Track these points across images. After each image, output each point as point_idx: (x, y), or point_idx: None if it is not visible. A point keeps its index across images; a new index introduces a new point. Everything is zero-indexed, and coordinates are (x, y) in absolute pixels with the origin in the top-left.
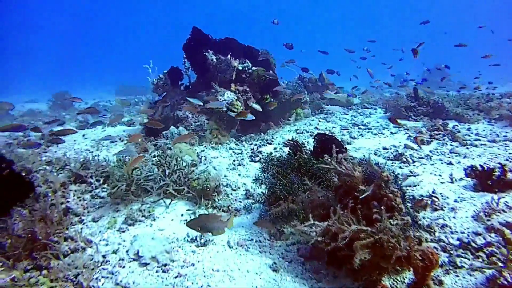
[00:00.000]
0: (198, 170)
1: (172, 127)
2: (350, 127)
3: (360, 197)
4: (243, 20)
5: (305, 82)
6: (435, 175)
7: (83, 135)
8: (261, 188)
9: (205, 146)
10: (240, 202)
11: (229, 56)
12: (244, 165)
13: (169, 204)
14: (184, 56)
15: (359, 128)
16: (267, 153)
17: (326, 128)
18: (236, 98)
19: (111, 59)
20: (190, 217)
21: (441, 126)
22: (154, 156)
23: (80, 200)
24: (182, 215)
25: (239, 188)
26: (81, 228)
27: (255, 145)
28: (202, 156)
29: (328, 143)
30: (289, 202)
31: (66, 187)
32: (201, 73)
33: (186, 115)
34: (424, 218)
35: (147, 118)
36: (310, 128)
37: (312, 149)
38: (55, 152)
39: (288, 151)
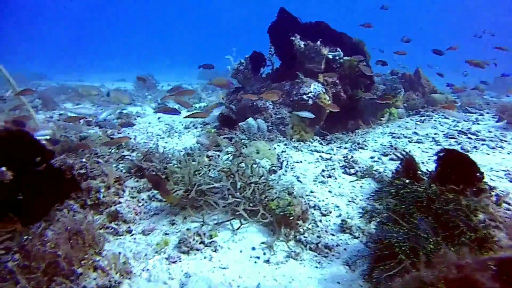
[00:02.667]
0: (278, 182)
1: (250, 118)
2: (457, 135)
3: None
4: None
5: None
6: None
7: (158, 118)
8: (369, 224)
9: (285, 145)
10: (333, 235)
11: (318, 42)
12: (335, 178)
13: (237, 229)
14: (270, 40)
15: (468, 138)
16: (366, 165)
17: (427, 134)
18: (324, 90)
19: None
20: (264, 253)
21: None
22: (228, 153)
23: (133, 202)
24: (253, 248)
25: (330, 213)
26: (127, 245)
27: (345, 148)
28: (282, 159)
29: (460, 165)
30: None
31: (121, 183)
32: (286, 60)
33: (267, 106)
34: None
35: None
36: (408, 133)
37: (430, 170)
38: (128, 134)
39: (397, 170)
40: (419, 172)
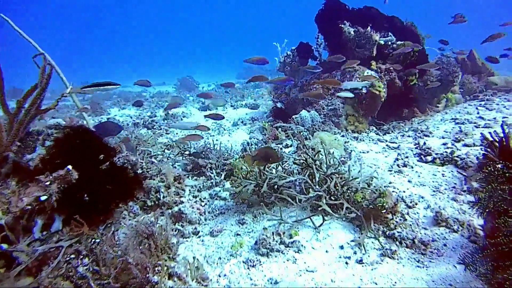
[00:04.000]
0: (354, 172)
1: (303, 111)
2: None
3: None
4: None
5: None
6: None
7: (205, 117)
8: (482, 216)
9: (343, 136)
10: (425, 229)
11: (369, 28)
12: (412, 167)
13: (320, 226)
14: (318, 30)
15: None
16: (445, 151)
17: (495, 118)
18: (378, 77)
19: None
20: (355, 252)
21: None
22: (287, 146)
23: (196, 202)
24: (341, 247)
25: (416, 204)
26: (195, 248)
27: (409, 136)
28: (348, 148)
29: None
30: None
31: (181, 181)
32: (336, 49)
33: None
34: None
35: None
36: (472, 118)
37: None
38: (177, 134)
39: (487, 154)
40: None
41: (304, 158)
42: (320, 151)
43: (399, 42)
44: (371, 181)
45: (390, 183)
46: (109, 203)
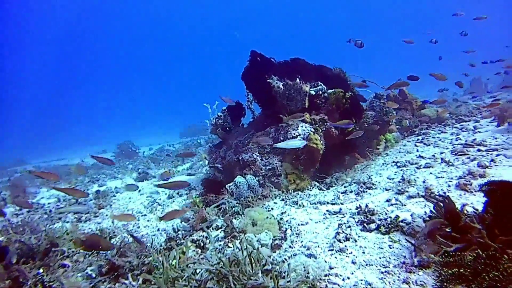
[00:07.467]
0: (284, 265)
1: (238, 177)
2: (467, 150)
3: None
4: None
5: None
6: None
7: (139, 191)
8: None
9: (283, 200)
10: None
11: (297, 80)
12: (355, 240)
13: None
14: (246, 87)
15: (478, 151)
16: (387, 215)
17: (433, 155)
18: (313, 130)
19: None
20: None
21: None
22: (218, 228)
23: None
24: None
25: None
26: None
27: (351, 192)
28: (285, 227)
29: None
30: None
31: None
32: (267, 105)
33: (254, 158)
34: None
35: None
36: (412, 158)
37: (475, 213)
38: (106, 216)
39: (431, 216)
40: (462, 215)
41: (218, 268)
42: (235, 252)
43: (330, 91)
44: (307, 274)
45: (331, 268)
46: None
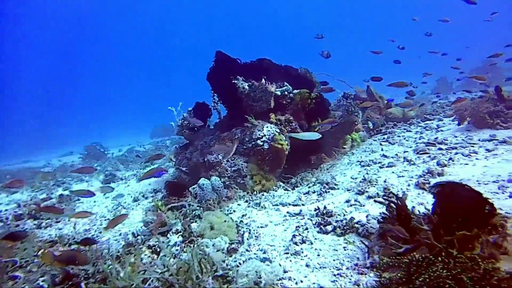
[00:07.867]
0: (238, 270)
1: (201, 179)
2: (428, 149)
3: None
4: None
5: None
6: None
7: (104, 194)
8: None
9: (247, 201)
10: None
11: (263, 80)
12: (311, 243)
13: None
14: (211, 88)
15: (439, 149)
16: (344, 217)
17: (396, 154)
18: (278, 131)
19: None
20: None
21: None
22: (178, 232)
23: None
24: None
25: None
26: None
27: (313, 192)
28: (243, 230)
29: (463, 202)
30: None
31: None
32: (232, 106)
33: (219, 160)
34: None
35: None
36: (376, 157)
37: (427, 213)
38: (68, 221)
39: (384, 218)
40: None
41: (166, 278)
42: (185, 261)
43: (295, 91)
44: (260, 279)
45: (285, 272)
46: None
